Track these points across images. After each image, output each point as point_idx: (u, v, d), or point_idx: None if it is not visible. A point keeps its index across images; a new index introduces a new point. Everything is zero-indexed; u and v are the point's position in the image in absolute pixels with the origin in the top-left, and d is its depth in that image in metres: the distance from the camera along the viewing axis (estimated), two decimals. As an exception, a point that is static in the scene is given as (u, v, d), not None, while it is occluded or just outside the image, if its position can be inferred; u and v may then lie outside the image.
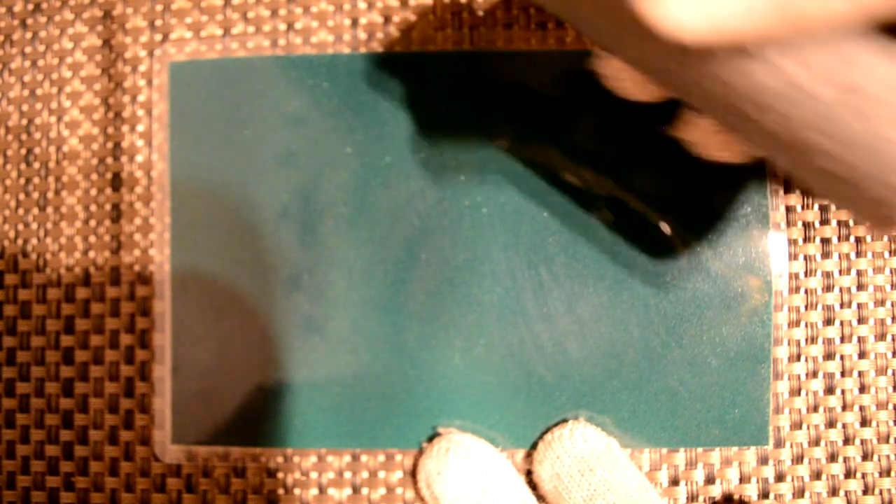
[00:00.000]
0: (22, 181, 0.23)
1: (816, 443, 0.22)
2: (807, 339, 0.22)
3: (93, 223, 0.23)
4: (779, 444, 0.22)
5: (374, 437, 0.22)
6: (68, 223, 0.23)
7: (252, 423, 0.22)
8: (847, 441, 0.22)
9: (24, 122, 0.23)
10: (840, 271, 0.22)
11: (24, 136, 0.23)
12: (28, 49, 0.23)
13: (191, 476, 0.22)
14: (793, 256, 0.22)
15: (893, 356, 0.22)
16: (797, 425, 0.22)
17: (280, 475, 0.22)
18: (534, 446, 0.22)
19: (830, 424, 0.22)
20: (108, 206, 0.23)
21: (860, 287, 0.22)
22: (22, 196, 0.23)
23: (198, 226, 0.22)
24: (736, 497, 0.22)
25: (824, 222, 0.22)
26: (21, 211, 0.23)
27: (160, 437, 0.22)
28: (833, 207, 0.22)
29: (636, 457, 0.22)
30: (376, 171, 0.22)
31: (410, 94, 0.22)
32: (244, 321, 0.22)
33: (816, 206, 0.22)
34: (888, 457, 0.22)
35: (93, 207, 0.23)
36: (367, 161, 0.22)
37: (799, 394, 0.22)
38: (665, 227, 0.22)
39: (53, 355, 0.23)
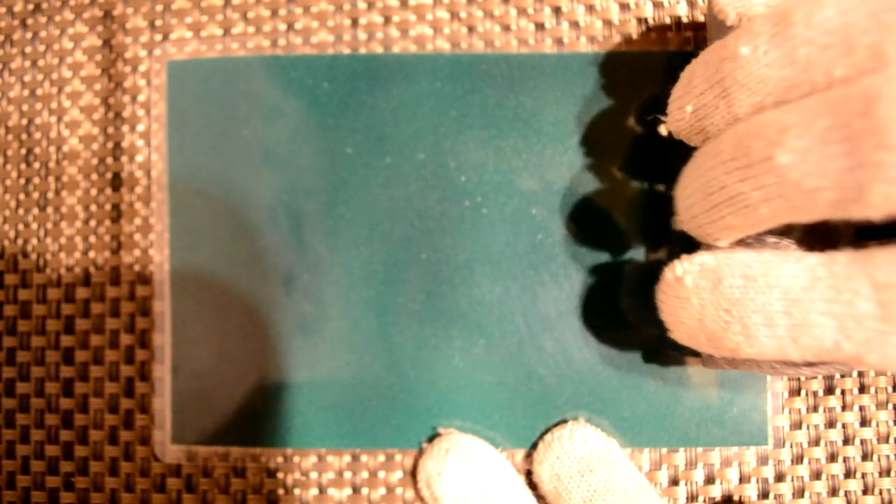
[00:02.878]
0: (22, 181, 0.23)
1: (816, 443, 0.22)
2: (807, 340, 0.22)
3: (93, 223, 0.23)
4: (779, 444, 0.22)
5: (374, 437, 0.22)
6: (68, 223, 0.23)
7: (252, 423, 0.22)
8: (847, 441, 0.22)
9: (24, 122, 0.23)
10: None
11: (24, 136, 0.23)
12: (28, 49, 0.23)
13: (191, 476, 0.22)
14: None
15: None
16: (797, 425, 0.22)
17: (280, 475, 0.22)
18: (534, 447, 0.22)
19: (830, 424, 0.22)
20: (108, 206, 0.23)
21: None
22: (22, 196, 0.23)
23: (197, 226, 0.22)
24: (736, 497, 0.22)
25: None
26: (21, 211, 0.23)
27: (160, 437, 0.22)
28: None
29: (636, 457, 0.22)
30: (376, 171, 0.22)
31: (410, 95, 0.22)
32: (244, 321, 0.22)
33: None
34: (888, 457, 0.22)
35: (93, 207, 0.23)
36: (367, 161, 0.22)
37: (799, 394, 0.22)
38: (668, 226, 0.22)
39: (53, 355, 0.23)
